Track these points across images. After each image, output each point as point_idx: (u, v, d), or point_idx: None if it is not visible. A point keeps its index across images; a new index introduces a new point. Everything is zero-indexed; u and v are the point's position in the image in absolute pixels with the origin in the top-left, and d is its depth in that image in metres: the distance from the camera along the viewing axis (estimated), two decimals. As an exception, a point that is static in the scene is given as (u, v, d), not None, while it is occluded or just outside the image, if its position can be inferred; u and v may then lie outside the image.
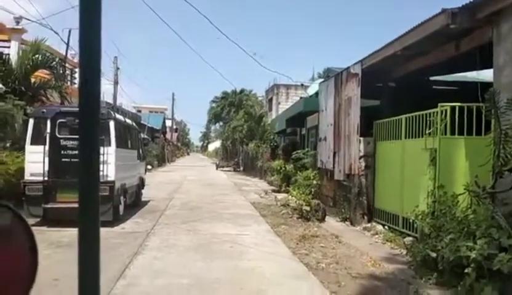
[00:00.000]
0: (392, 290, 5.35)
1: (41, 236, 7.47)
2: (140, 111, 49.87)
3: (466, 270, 5.17)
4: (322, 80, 15.79)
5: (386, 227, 9.02)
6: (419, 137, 7.76)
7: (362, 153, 10.18)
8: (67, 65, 20.06)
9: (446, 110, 7.06)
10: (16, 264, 0.70)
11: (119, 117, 10.87)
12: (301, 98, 19.68)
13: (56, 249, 6.60)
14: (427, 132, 7.38)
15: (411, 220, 7.45)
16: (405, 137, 8.50)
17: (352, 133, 10.60)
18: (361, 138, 10.18)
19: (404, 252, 7.08)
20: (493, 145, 5.76)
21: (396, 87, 10.59)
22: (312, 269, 6.18)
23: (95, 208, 0.88)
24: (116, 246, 6.96)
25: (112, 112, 10.06)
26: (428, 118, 7.44)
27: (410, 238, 7.41)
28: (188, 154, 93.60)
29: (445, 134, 7.12)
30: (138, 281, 5.31)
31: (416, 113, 7.91)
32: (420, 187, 7.42)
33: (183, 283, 5.26)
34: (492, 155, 5.77)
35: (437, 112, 7.19)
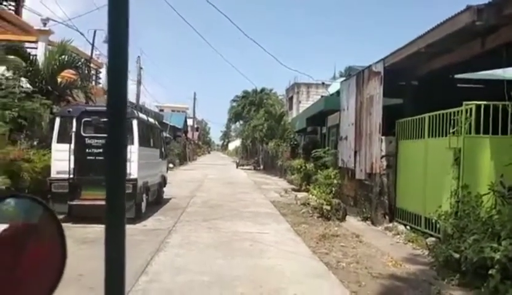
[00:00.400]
0: (413, 290, 5.28)
1: (67, 233, 7.66)
2: (162, 110, 50.56)
3: (490, 272, 5.08)
4: (344, 78, 15.65)
5: (407, 227, 8.90)
6: (442, 136, 7.62)
7: (383, 153, 10.07)
8: (92, 65, 20.49)
9: (471, 109, 6.92)
10: (47, 258, 0.74)
11: (142, 116, 11.06)
12: (322, 96, 19.56)
13: (81, 245, 6.78)
14: (451, 131, 7.24)
15: (433, 221, 7.34)
16: (429, 136, 8.36)
17: (374, 132, 10.49)
18: (383, 137, 10.07)
19: (426, 252, 6.97)
20: (518, 144, 5.63)
21: (419, 86, 10.41)
22: (333, 268, 6.16)
23: (121, 205, 0.91)
24: (138, 243, 7.10)
25: (135, 111, 10.25)
26: (452, 117, 7.30)
27: (433, 239, 7.29)
28: (209, 153, 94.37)
29: (470, 133, 6.98)
30: (160, 277, 5.41)
31: (440, 111, 7.77)
32: (443, 186, 7.30)
33: (203, 280, 5.34)
34: (518, 154, 5.64)
35: (461, 111, 7.06)
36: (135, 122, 9.45)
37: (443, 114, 7.68)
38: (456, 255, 5.63)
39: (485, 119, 6.77)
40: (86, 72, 17.14)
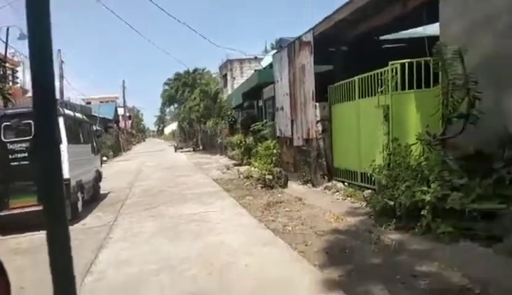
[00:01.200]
0: (355, 240, 5.57)
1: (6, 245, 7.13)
2: (89, 103, 47.91)
3: (422, 213, 5.48)
4: (275, 51, 15.74)
5: (345, 184, 9.32)
6: (372, 96, 7.97)
7: (318, 118, 10.37)
8: (7, 65, 18.79)
9: (396, 68, 7.28)
10: None
11: (68, 112, 10.36)
12: (255, 71, 19.55)
13: (15, 256, 6.30)
14: (379, 90, 7.60)
15: (369, 175, 7.75)
16: (359, 98, 8.71)
17: (308, 99, 10.73)
18: (317, 103, 10.35)
19: (364, 204, 7.37)
20: (441, 95, 6.03)
21: (348, 50, 10.77)
22: (280, 233, 6.30)
23: (61, 208, 0.82)
24: (79, 243, 6.73)
25: (60, 108, 9.57)
26: (379, 77, 7.65)
27: (369, 191, 7.69)
28: (144, 140, 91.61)
29: (396, 90, 7.37)
30: (106, 274, 5.18)
31: (369, 73, 8.10)
32: (375, 142, 7.68)
33: (151, 269, 5.18)
34: (441, 104, 6.04)
35: (388, 70, 7.41)
36: (61, 120, 8.83)
37: (371, 75, 8.01)
38: (391, 203, 6.00)
39: (410, 75, 7.16)
40: (1, 72, 15.72)
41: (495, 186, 5.13)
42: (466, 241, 4.95)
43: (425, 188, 5.60)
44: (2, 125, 8.63)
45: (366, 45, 10.50)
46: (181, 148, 38.49)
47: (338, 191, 9.05)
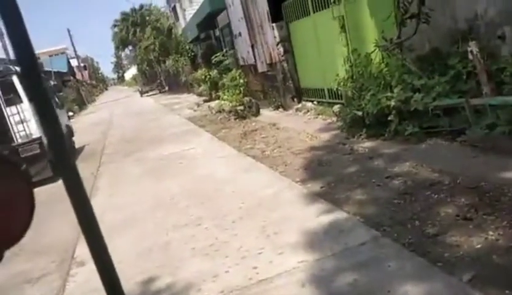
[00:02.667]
0: (331, 154, 5.94)
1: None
2: (38, 58, 45.23)
3: (389, 118, 5.83)
4: (221, -27, 15.01)
5: (315, 102, 9.59)
6: (327, 8, 7.96)
7: (278, 39, 10.31)
8: None
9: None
10: (18, 200, 0.78)
11: (20, 69, 9.91)
12: (205, -2, 18.73)
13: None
14: (332, 1, 7.58)
15: (335, 89, 8.00)
16: (314, 12, 8.67)
17: (264, 21, 10.57)
18: (273, 24, 10.22)
19: (335, 120, 7.70)
20: (392, -4, 6.09)
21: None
22: (259, 159, 6.62)
23: (69, 161, 0.88)
24: (66, 197, 6.88)
25: (11, 67, 9.13)
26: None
27: (338, 106, 7.98)
28: (106, 89, 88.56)
29: (349, -1, 7.36)
30: (103, 219, 5.37)
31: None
32: (336, 56, 7.84)
33: (145, 208, 5.48)
34: (393, 7, 6.14)
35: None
36: (15, 78, 8.49)
37: (323, -13, 7.93)
38: (360, 113, 6.31)
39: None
40: None
41: (453, 82, 5.46)
42: (432, 139, 5.34)
43: (389, 94, 5.89)
44: None
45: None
46: (147, 92, 37.54)
47: (308, 111, 9.34)
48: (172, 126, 12.77)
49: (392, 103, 5.74)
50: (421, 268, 2.84)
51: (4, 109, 8.38)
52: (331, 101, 8.75)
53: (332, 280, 2.92)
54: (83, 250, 4.50)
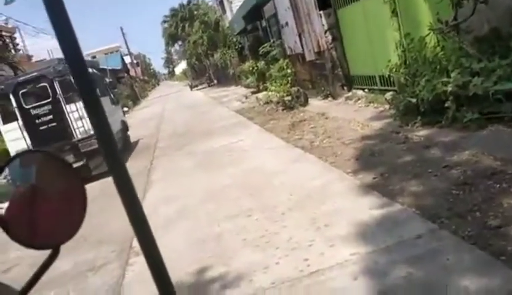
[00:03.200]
0: (384, 143, 5.75)
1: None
2: (94, 57, 47.57)
3: (446, 105, 5.53)
4: (267, -37, 14.91)
5: (365, 90, 9.31)
6: (376, -8, 7.66)
7: (326, 27, 10.09)
8: (4, 33, 18.65)
9: (396, -44, 6.89)
10: (72, 198, 0.82)
11: (78, 68, 10.48)
12: (251, -11, 18.70)
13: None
14: (382, -16, 7.28)
15: (387, 76, 7.71)
16: (363, -3, 8.38)
17: (311, 9, 10.39)
18: (321, 12, 10.01)
19: (387, 107, 7.42)
20: (447, -24, 5.75)
21: None
22: (308, 149, 6.55)
23: (118, 156, 0.89)
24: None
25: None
26: (380, -29, 7.28)
27: (390, 93, 7.69)
28: (158, 84, 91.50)
29: (400, -20, 7.04)
30: (157, 210, 5.62)
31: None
32: (388, 41, 7.54)
33: (196, 199, 5.62)
34: (448, -13, 5.80)
35: (387, -39, 7.03)
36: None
37: (372, -30, 7.63)
38: (414, 100, 6.04)
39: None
40: (1, 42, 15.71)
41: (516, 64, 5.07)
42: (493, 126, 4.98)
43: (445, 79, 5.58)
44: (20, 93, 8.90)
45: None
46: (196, 86, 38.35)
47: (359, 99, 9.08)
48: (221, 119, 12.96)
49: (449, 88, 5.43)
50: (482, 262, 2.68)
51: (64, 107, 8.91)
52: (383, 88, 8.44)
53: (386, 273, 2.84)
54: (140, 240, 4.71)
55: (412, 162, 4.76)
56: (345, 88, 10.23)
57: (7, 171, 0.74)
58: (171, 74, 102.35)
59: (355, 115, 7.87)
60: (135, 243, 4.71)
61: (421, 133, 5.67)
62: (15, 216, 0.69)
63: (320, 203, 4.30)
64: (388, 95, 7.64)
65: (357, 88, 9.76)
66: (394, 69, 7.01)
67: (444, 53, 6.05)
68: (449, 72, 5.63)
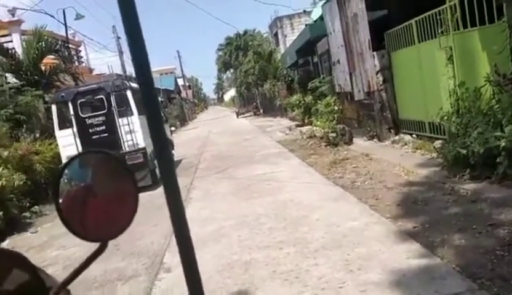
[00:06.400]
0: (428, 192, 5.54)
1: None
2: (150, 76, 49.80)
3: (497, 160, 5.29)
4: (324, 1, 15.21)
5: (413, 135, 9.09)
6: (432, 38, 7.59)
7: (378, 68, 10.06)
8: (71, 45, 20.05)
9: (455, 4, 6.82)
10: (124, 197, 0.87)
11: (134, 85, 11.01)
12: (306, 25, 19.06)
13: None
14: (439, 31, 7.21)
15: (437, 124, 7.51)
16: (419, 42, 8.31)
17: (365, 49, 10.41)
18: (374, 53, 10.01)
19: (435, 155, 7.19)
20: (507, 29, 5.63)
21: (402, -9, 10.16)
22: (348, 189, 6.43)
23: (172, 171, 0.96)
24: (162, 205, 7.35)
25: (127, 82, 10.20)
26: (438, 17, 7.23)
27: (439, 141, 7.47)
28: (206, 108, 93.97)
29: (458, 29, 6.94)
30: (191, 230, 5.68)
31: (426, 14, 7.67)
32: (441, 88, 7.38)
33: (231, 224, 5.64)
34: (508, 39, 5.65)
35: (446, 8, 6.97)
36: (129, 93, 9.46)
37: (429, 16, 7.59)
38: (464, 151, 5.82)
39: (471, 11, 6.71)
40: (66, 54, 16.87)
41: None
42: (547, 186, 4.74)
43: (499, 133, 5.36)
44: (78, 102, 9.45)
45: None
46: (243, 113, 39.02)
47: (406, 144, 8.87)
48: (263, 148, 13.06)
49: (503, 143, 5.21)
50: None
51: (117, 119, 9.36)
52: (432, 135, 8.22)
53: (418, 329, 2.69)
54: (171, 257, 4.78)
55: (456, 215, 4.55)
56: (392, 131, 10.04)
57: (66, 170, 0.80)
58: (220, 100, 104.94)
59: (400, 160, 7.67)
60: (166, 259, 4.78)
61: (469, 186, 5.43)
62: (70, 211, 0.76)
63: (356, 245, 4.18)
64: (437, 143, 7.42)
65: (405, 133, 9.55)
66: (445, 117, 6.83)
67: (500, 106, 5.83)
68: (503, 127, 5.41)
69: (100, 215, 0.82)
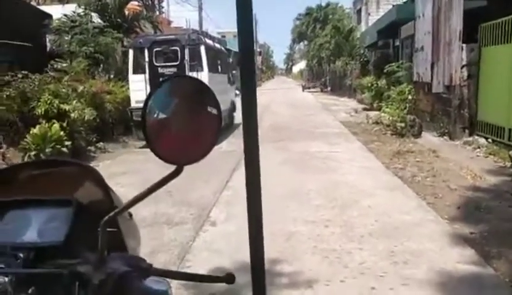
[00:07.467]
0: (494, 200, 5.14)
1: (148, 156, 8.38)
2: (224, 36, 50.20)
3: None
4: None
5: (489, 140, 8.43)
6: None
7: (464, 62, 9.32)
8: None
9: None
10: (211, 119, 0.87)
11: (209, 41, 11.13)
12: (394, 5, 18.04)
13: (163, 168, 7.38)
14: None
15: (519, 131, 6.88)
16: (518, 40, 7.55)
17: (454, 39, 9.67)
18: (464, 45, 9.26)
19: (509, 165, 6.65)
20: None
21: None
22: (407, 182, 6.15)
23: (256, 136, 0.95)
24: (217, 163, 7.51)
25: (202, 37, 10.33)
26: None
27: (517, 151, 6.88)
28: (273, 77, 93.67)
29: None
30: (238, 191, 5.77)
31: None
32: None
33: (279, 194, 5.61)
34: None
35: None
36: (202, 48, 9.59)
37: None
38: (544, 165, 5.31)
39: None
40: (150, 2, 17.38)
41: None
42: None
43: None
44: (154, 51, 9.76)
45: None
46: (309, 88, 38.43)
47: (479, 147, 8.25)
48: (324, 126, 12.81)
49: None
50: None
51: (187, 73, 9.57)
52: (510, 143, 7.57)
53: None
54: (217, 213, 4.91)
55: (521, 230, 4.20)
56: (466, 131, 9.38)
57: (153, 97, 0.81)
58: (288, 71, 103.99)
59: (469, 162, 7.17)
60: (212, 214, 4.92)
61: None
62: (153, 134, 0.80)
63: (405, 239, 4.01)
64: (515, 152, 6.83)
65: (480, 135, 8.88)
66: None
67: None
68: None
69: (180, 139, 0.83)
